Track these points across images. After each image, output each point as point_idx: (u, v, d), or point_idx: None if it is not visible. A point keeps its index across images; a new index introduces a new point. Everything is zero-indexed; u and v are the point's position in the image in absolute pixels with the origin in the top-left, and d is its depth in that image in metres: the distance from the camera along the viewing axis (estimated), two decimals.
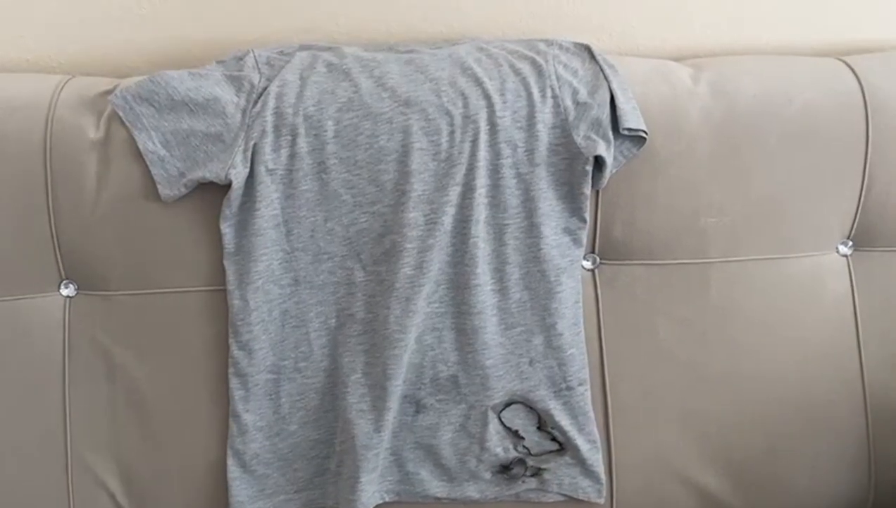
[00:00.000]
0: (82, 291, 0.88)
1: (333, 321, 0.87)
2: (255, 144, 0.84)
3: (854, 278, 0.92)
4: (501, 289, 0.87)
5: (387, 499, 0.88)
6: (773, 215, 0.90)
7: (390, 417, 0.85)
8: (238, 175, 0.83)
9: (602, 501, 0.89)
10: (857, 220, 0.92)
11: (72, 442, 0.87)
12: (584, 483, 0.88)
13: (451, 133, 0.85)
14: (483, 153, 0.85)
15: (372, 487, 0.86)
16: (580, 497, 0.89)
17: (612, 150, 0.85)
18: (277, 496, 0.88)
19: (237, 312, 0.85)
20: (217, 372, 0.87)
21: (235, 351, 0.86)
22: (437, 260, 0.85)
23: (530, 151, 0.86)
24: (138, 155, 0.85)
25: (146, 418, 0.88)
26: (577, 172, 0.86)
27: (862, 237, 0.92)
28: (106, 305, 0.88)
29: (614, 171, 0.87)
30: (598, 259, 0.91)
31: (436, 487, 0.88)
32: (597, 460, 0.88)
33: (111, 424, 0.88)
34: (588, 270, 0.91)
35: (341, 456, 0.87)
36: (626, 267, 0.91)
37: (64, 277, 0.88)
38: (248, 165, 0.84)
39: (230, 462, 0.86)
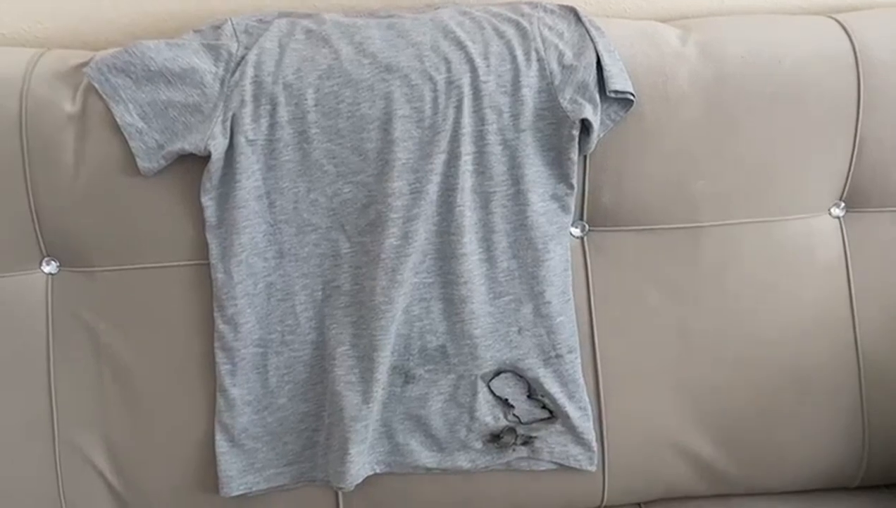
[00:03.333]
0: (64, 268, 0.87)
1: (319, 293, 0.86)
2: (234, 115, 0.83)
3: (847, 240, 0.91)
4: (489, 258, 0.86)
5: (377, 470, 0.88)
6: (764, 178, 0.89)
7: (379, 388, 0.84)
8: (217, 146, 0.82)
9: (594, 469, 0.89)
10: (849, 181, 0.90)
11: (58, 421, 0.87)
12: (576, 450, 0.88)
13: (435, 99, 0.83)
14: (467, 119, 0.83)
15: (362, 459, 0.85)
16: (571, 465, 0.88)
17: (600, 113, 0.83)
18: (267, 469, 0.87)
19: (221, 286, 0.84)
20: (203, 347, 0.86)
21: (221, 325, 0.85)
22: (423, 230, 0.84)
23: (516, 117, 0.84)
24: (116, 128, 0.83)
25: (133, 395, 0.87)
26: (563, 136, 0.84)
27: (854, 199, 0.91)
28: (89, 281, 0.87)
29: (602, 135, 0.85)
30: (586, 226, 0.90)
31: (426, 457, 0.87)
32: (588, 427, 0.87)
33: (98, 402, 0.87)
34: (576, 237, 0.90)
35: (330, 429, 0.86)
36: (615, 233, 0.89)
37: (45, 254, 0.87)
38: (228, 135, 0.83)
39: (218, 436, 0.86)
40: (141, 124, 0.83)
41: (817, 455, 0.92)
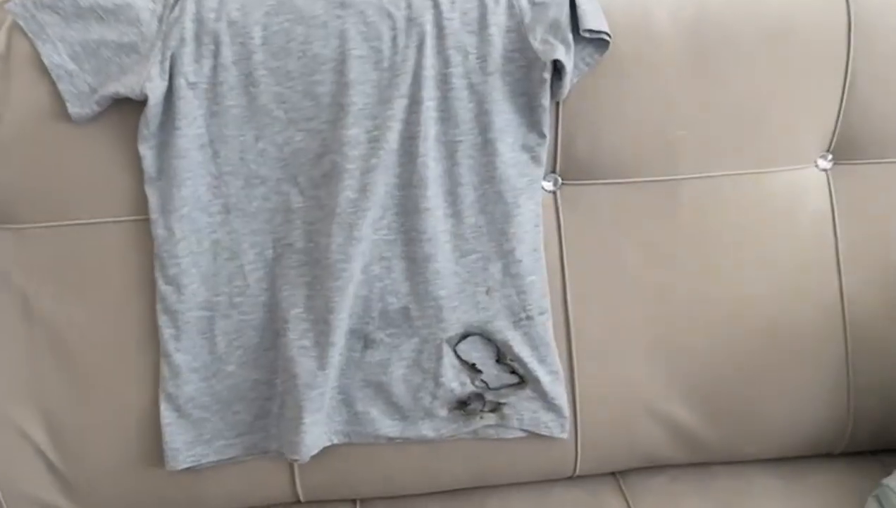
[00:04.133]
0: None
1: (270, 251, 0.80)
2: (173, 55, 0.76)
3: (834, 193, 0.86)
4: (454, 213, 0.80)
5: (335, 441, 0.82)
6: (748, 127, 0.83)
7: (335, 354, 0.79)
8: (155, 89, 0.75)
9: (566, 436, 0.84)
10: (837, 131, 0.85)
11: None
12: (547, 417, 0.83)
13: (394, 38, 0.77)
14: (430, 61, 0.77)
15: (318, 429, 0.80)
16: (542, 433, 0.83)
17: (573, 55, 0.77)
18: (216, 441, 0.82)
19: (162, 243, 0.78)
20: (144, 310, 0.80)
21: (162, 286, 0.78)
22: (383, 182, 0.78)
23: (483, 59, 0.78)
24: (44, 70, 0.76)
25: (69, 362, 0.81)
26: (534, 80, 0.78)
27: (842, 150, 0.86)
28: (18, 239, 0.80)
29: (576, 80, 0.79)
30: (559, 179, 0.84)
31: (388, 426, 0.82)
32: (559, 393, 0.83)
33: (31, 370, 0.81)
34: (548, 191, 0.84)
35: (283, 397, 0.80)
36: (589, 187, 0.84)
37: None
38: (167, 78, 0.76)
39: (163, 406, 0.80)
40: (71, 66, 0.76)
41: (800, 420, 0.88)
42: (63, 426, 0.82)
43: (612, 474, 0.90)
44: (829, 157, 0.86)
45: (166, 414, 0.80)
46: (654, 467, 0.89)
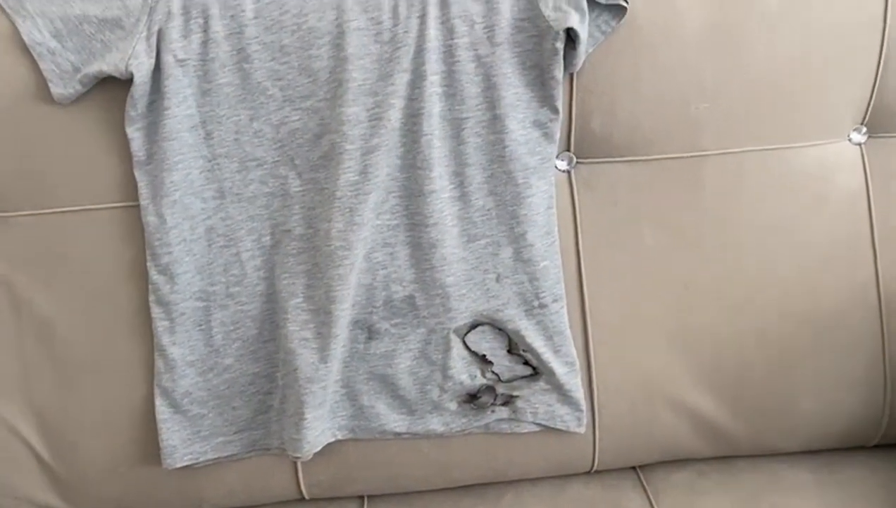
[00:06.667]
0: None
1: (268, 238, 0.76)
2: (160, 30, 0.71)
3: (868, 169, 0.81)
4: (462, 195, 0.76)
5: (339, 437, 0.79)
6: (775, 99, 0.78)
7: (338, 345, 0.75)
8: (141, 67, 0.71)
9: (583, 430, 0.80)
10: (872, 102, 0.80)
11: None
12: (562, 410, 0.79)
13: (395, 8, 0.72)
14: (433, 32, 0.72)
15: (321, 424, 0.76)
16: (558, 427, 0.79)
17: (587, 23, 0.72)
18: (215, 437, 0.78)
19: (153, 230, 0.74)
20: (137, 301, 0.76)
21: (155, 276, 0.75)
22: (385, 163, 0.73)
23: (490, 28, 0.73)
24: (24, 48, 0.72)
25: (59, 356, 0.78)
26: (546, 51, 0.73)
27: (877, 123, 0.81)
28: (4, 228, 0.76)
29: (590, 50, 0.74)
30: (573, 158, 0.79)
31: (394, 421, 0.79)
32: (575, 384, 0.78)
33: (20, 365, 0.78)
34: (562, 170, 0.79)
35: (284, 391, 0.77)
36: (606, 165, 0.79)
37: None
38: (154, 54, 0.71)
39: (158, 402, 0.77)
40: (53, 43, 0.72)
41: (832, 412, 0.83)
42: (55, 422, 0.79)
43: (633, 468, 0.86)
44: (864, 130, 0.81)
45: (162, 410, 0.77)
46: (677, 461, 0.86)
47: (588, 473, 0.85)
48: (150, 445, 0.78)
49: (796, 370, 0.81)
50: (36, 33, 0.72)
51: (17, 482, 0.80)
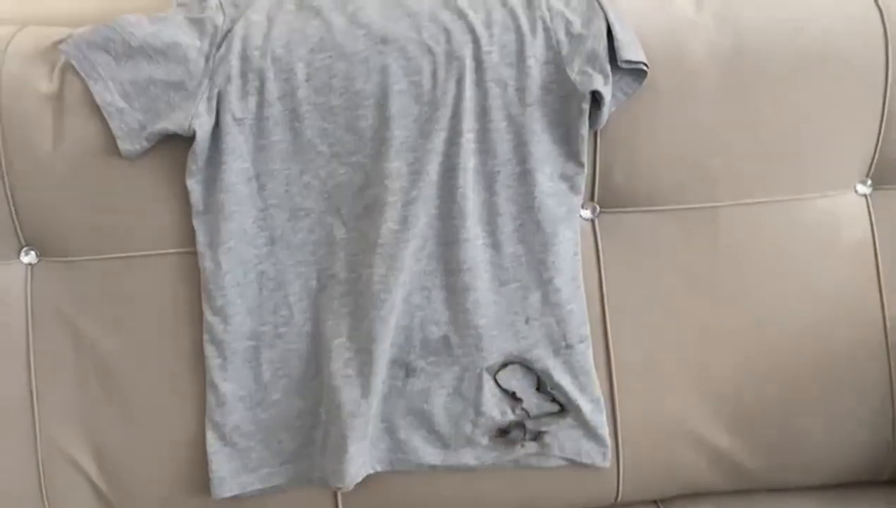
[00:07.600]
0: (44, 258, 0.82)
1: (314, 282, 0.81)
2: (220, 92, 0.78)
3: (874, 219, 0.86)
4: (494, 243, 0.81)
5: (378, 469, 0.83)
6: (786, 154, 0.83)
7: (378, 382, 0.80)
8: (203, 125, 0.77)
9: (607, 465, 0.84)
10: (876, 156, 0.85)
11: (40, 421, 0.82)
12: (588, 445, 0.83)
13: (434, 72, 0.78)
14: (469, 94, 0.78)
15: (361, 457, 0.80)
16: (584, 461, 0.83)
17: (611, 85, 0.78)
18: (261, 469, 0.82)
19: (209, 275, 0.79)
20: (192, 341, 0.81)
21: (210, 317, 0.80)
22: (423, 214, 0.79)
23: (521, 90, 0.79)
24: (95, 108, 0.78)
25: (118, 392, 0.82)
26: (572, 111, 0.79)
27: (882, 175, 0.86)
28: (70, 272, 0.82)
29: (613, 109, 0.80)
30: (597, 207, 0.84)
31: (430, 454, 0.83)
32: (601, 421, 0.82)
33: (81, 400, 0.82)
34: (587, 219, 0.84)
35: (327, 426, 0.81)
36: (627, 215, 0.84)
37: (24, 243, 0.82)
38: (214, 114, 0.77)
39: (209, 435, 0.81)
40: (122, 104, 0.78)
41: (844, 447, 0.86)
42: (112, 454, 0.83)
43: (654, 502, 0.89)
44: (869, 182, 0.86)
45: (212, 443, 0.81)
46: (697, 494, 0.89)
47: (612, 505, 0.88)
48: (200, 476, 0.82)
49: (809, 408, 0.85)
50: (107, 95, 0.78)
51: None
